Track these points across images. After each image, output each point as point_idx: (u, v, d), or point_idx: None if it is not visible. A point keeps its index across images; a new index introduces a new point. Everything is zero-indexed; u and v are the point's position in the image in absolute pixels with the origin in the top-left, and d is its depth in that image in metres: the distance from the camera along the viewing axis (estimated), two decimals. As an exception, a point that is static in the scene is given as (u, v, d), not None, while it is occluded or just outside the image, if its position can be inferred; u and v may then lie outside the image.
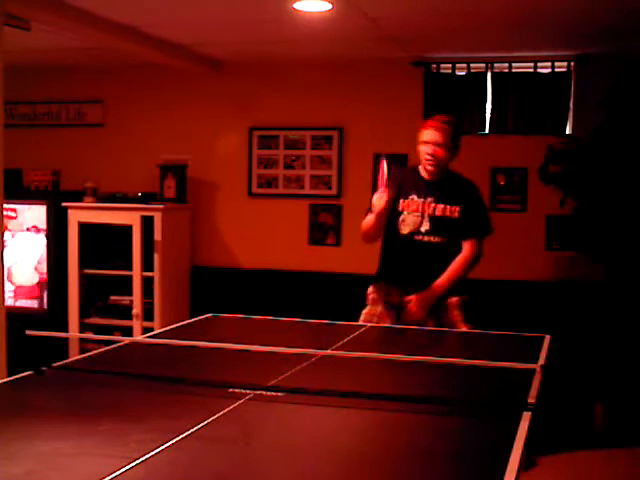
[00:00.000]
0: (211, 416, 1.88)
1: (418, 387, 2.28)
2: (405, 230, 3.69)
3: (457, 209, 3.66)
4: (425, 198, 3.67)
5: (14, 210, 5.61)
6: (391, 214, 3.69)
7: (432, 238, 3.66)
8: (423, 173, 3.72)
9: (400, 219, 3.70)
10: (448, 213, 3.66)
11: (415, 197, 3.69)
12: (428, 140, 3.63)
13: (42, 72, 5.86)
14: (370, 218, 3.68)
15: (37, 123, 6.09)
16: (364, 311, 3.75)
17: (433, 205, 3.66)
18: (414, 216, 3.68)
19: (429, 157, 3.63)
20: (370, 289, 3.80)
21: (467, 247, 3.69)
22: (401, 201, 3.70)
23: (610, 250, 4.74)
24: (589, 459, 4.40)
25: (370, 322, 3.66)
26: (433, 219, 3.66)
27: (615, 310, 4.78)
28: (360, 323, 3.64)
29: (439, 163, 3.64)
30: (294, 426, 1.93)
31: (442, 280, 3.65)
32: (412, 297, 3.63)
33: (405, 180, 3.76)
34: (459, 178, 3.76)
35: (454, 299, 3.67)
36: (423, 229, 3.66)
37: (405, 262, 3.72)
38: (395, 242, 3.74)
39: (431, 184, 3.70)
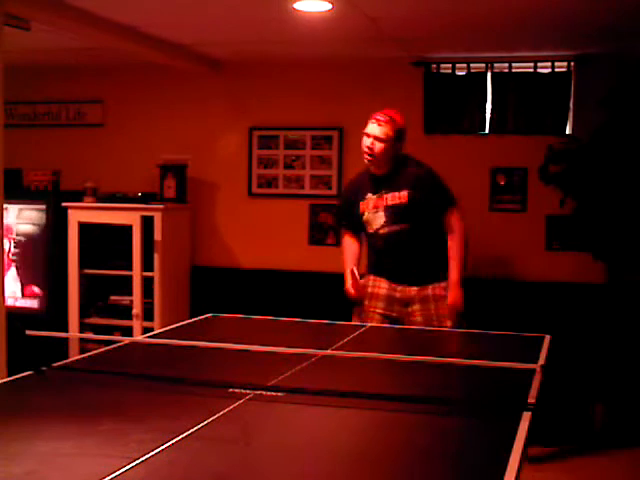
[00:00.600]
0: (211, 416, 1.88)
1: (418, 387, 2.28)
2: (372, 228, 3.81)
3: (405, 193, 3.73)
4: (379, 193, 3.78)
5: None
6: (358, 218, 3.84)
7: (391, 228, 3.76)
8: (373, 170, 3.82)
9: (364, 220, 3.82)
10: (398, 200, 3.74)
11: (371, 195, 3.81)
12: (368, 133, 3.76)
13: (42, 72, 5.86)
14: (345, 262, 3.92)
15: (37, 123, 6.09)
16: (355, 306, 3.86)
17: (385, 196, 3.76)
18: (373, 213, 3.79)
19: (366, 149, 3.75)
20: (362, 282, 3.88)
21: (448, 224, 3.75)
22: (360, 204, 3.83)
23: (610, 250, 4.74)
24: (589, 459, 4.40)
25: (357, 318, 3.73)
26: (387, 209, 3.76)
27: (615, 310, 4.78)
28: (353, 322, 3.70)
29: (377, 156, 3.74)
30: (294, 426, 1.93)
31: (453, 265, 3.71)
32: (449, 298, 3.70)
33: (361, 183, 3.90)
34: (406, 164, 3.81)
35: (439, 287, 3.70)
36: (383, 221, 3.76)
37: (381, 255, 3.83)
38: (370, 240, 3.87)
39: (381, 178, 3.81)
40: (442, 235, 3.76)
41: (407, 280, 3.75)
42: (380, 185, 3.78)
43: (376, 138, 3.71)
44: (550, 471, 4.19)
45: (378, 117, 3.74)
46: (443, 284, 3.72)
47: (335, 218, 4.08)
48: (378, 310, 3.75)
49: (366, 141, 3.75)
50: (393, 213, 3.73)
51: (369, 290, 3.81)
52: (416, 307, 3.71)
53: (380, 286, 3.78)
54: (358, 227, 3.91)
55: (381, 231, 3.76)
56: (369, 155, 3.74)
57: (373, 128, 3.74)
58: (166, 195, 5.57)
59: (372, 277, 3.84)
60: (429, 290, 3.71)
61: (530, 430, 1.83)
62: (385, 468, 1.64)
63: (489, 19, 4.17)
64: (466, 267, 3.79)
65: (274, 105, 5.63)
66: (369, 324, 3.58)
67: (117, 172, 5.80)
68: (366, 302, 3.80)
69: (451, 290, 3.69)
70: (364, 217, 3.81)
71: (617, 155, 4.62)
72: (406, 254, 3.74)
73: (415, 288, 3.72)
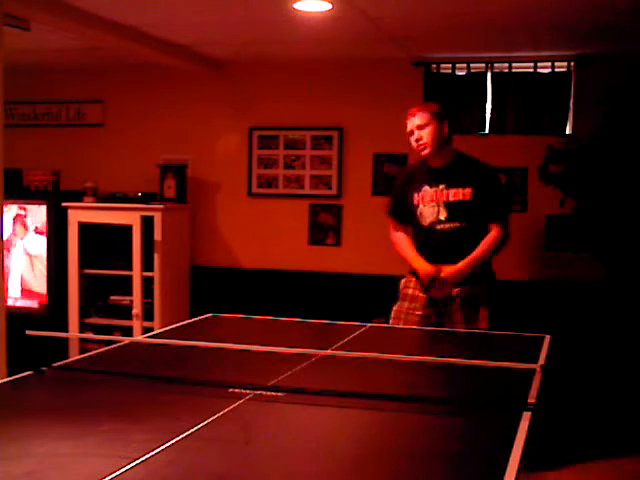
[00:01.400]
0: (211, 416, 1.88)
1: (418, 387, 2.28)
2: (426, 222, 3.73)
3: (469, 191, 3.66)
4: (437, 186, 3.70)
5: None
6: (410, 209, 3.76)
7: (452, 224, 3.68)
8: (430, 162, 3.76)
9: (418, 213, 3.74)
10: (461, 197, 3.67)
11: (427, 187, 3.73)
12: (410, 129, 3.72)
13: (42, 72, 5.86)
14: (406, 254, 3.80)
15: (37, 123, 6.09)
16: (394, 307, 3.79)
17: (446, 192, 3.69)
18: (430, 207, 3.71)
19: (417, 143, 3.70)
20: (402, 283, 3.83)
21: (493, 229, 3.71)
22: (415, 195, 3.75)
23: (610, 250, 4.74)
24: (589, 459, 4.40)
25: (397, 319, 3.69)
26: (449, 205, 3.68)
27: (615, 310, 4.78)
28: (391, 320, 3.69)
29: (429, 144, 3.68)
30: (294, 426, 1.93)
31: (468, 258, 3.66)
32: (442, 272, 3.65)
33: (416, 174, 3.83)
34: (468, 160, 3.78)
35: (478, 289, 3.67)
36: (442, 217, 3.69)
37: (432, 252, 3.73)
38: (420, 234, 3.79)
39: (440, 171, 3.73)
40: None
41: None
42: (440, 178, 3.70)
43: (419, 127, 3.67)
44: (550, 471, 4.18)
45: (411, 111, 3.72)
46: (483, 286, 3.70)
47: (387, 208, 3.93)
48: (418, 312, 3.71)
49: (413, 137, 3.70)
50: (455, 210, 3.66)
51: (409, 292, 3.76)
52: (455, 307, 3.68)
53: (421, 288, 3.75)
54: (408, 219, 3.83)
55: (438, 227, 3.69)
56: (423, 149, 3.68)
57: (412, 121, 3.70)
58: (166, 195, 5.57)
59: (414, 279, 3.78)
60: (468, 289, 3.68)
61: (530, 430, 1.83)
62: (385, 468, 1.64)
63: (489, 19, 4.17)
64: (478, 265, 3.74)
65: (274, 105, 5.63)
66: (407, 326, 3.58)
67: (117, 172, 5.80)
68: (406, 304, 3.76)
69: (451, 269, 3.65)
70: (418, 209, 3.73)
71: (617, 155, 4.62)
72: (458, 252, 3.66)
73: (456, 289, 3.68)
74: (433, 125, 3.68)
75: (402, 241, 3.87)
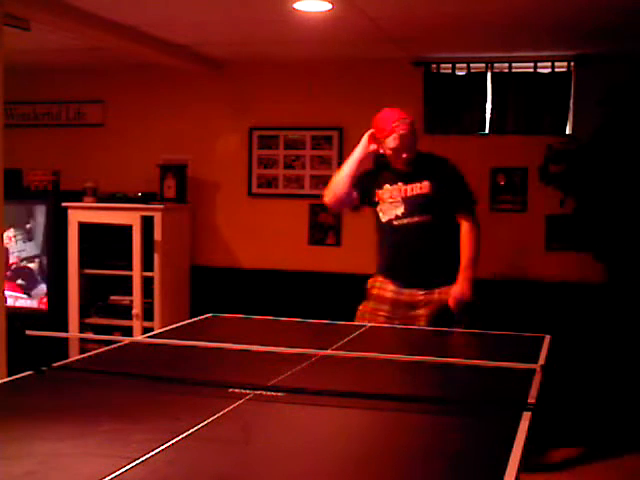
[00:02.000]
0: (211, 416, 1.88)
1: (418, 387, 2.28)
2: (385, 218, 3.75)
3: (427, 184, 3.68)
4: (397, 183, 3.72)
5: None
6: (373, 204, 3.77)
7: (410, 219, 3.69)
8: (393, 165, 3.76)
9: (378, 209, 3.76)
10: (418, 190, 3.69)
11: (388, 186, 3.75)
12: (399, 146, 3.65)
13: (42, 72, 5.86)
14: (350, 161, 3.76)
15: (37, 123, 6.09)
16: (360, 306, 3.78)
17: (404, 187, 3.71)
18: (389, 203, 3.73)
19: (404, 160, 3.68)
20: (369, 283, 3.82)
21: (463, 223, 3.70)
22: (377, 192, 3.76)
23: (610, 250, 4.74)
24: (588, 459, 4.40)
25: (362, 318, 3.67)
26: (406, 200, 3.69)
27: (615, 310, 4.78)
28: (356, 319, 3.66)
29: (411, 160, 3.70)
30: (294, 426, 1.93)
31: (465, 261, 3.64)
32: (453, 290, 3.62)
33: (378, 172, 3.83)
34: (426, 156, 3.78)
35: (446, 292, 3.66)
36: (400, 212, 3.70)
37: (393, 250, 3.76)
38: (381, 232, 3.81)
39: (402, 171, 3.74)
40: (457, 235, 3.69)
41: (415, 281, 3.68)
42: (399, 176, 3.72)
43: (407, 148, 3.66)
44: (550, 472, 4.19)
45: (400, 128, 3.65)
46: (450, 288, 3.68)
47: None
48: (382, 313, 3.72)
49: (400, 154, 3.66)
50: (413, 204, 3.67)
51: (375, 292, 3.77)
52: (421, 312, 3.66)
53: (387, 289, 3.74)
54: (361, 198, 3.82)
55: (396, 222, 3.70)
56: (406, 164, 3.68)
57: (402, 140, 3.65)
58: (166, 195, 5.57)
59: (380, 279, 3.78)
60: (435, 295, 3.67)
61: (530, 430, 1.83)
62: (385, 468, 1.64)
63: (489, 19, 4.17)
64: (476, 260, 3.71)
65: (274, 105, 5.63)
66: (369, 324, 3.57)
67: (117, 172, 5.80)
68: (371, 304, 3.76)
69: (459, 280, 3.63)
70: (378, 207, 3.75)
71: (617, 155, 4.62)
72: (420, 248, 3.65)
73: (422, 292, 3.66)
74: (416, 144, 3.71)
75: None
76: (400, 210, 3.70)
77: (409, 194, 3.69)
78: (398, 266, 3.74)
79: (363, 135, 3.81)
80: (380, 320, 3.68)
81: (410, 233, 3.69)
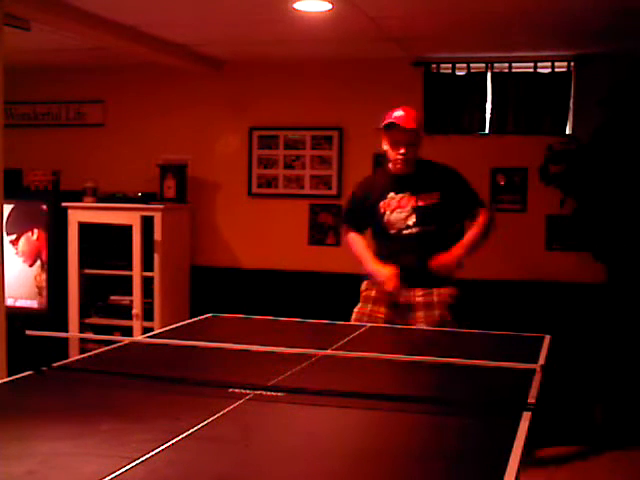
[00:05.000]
0: (211, 416, 1.88)
1: (418, 387, 2.28)
2: (394, 228, 3.72)
3: (436, 195, 3.68)
4: (403, 192, 3.70)
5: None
6: (375, 219, 3.74)
7: (419, 228, 3.69)
8: (393, 171, 3.74)
9: (385, 220, 3.73)
10: (430, 201, 3.69)
11: (393, 194, 3.72)
12: (399, 141, 3.63)
13: (42, 72, 5.86)
14: (363, 256, 3.77)
15: (37, 123, 6.09)
16: (355, 309, 3.76)
17: (413, 197, 3.69)
18: (397, 213, 3.71)
19: (401, 157, 3.65)
20: (363, 285, 3.81)
21: (481, 215, 3.73)
22: (381, 203, 3.73)
23: (610, 250, 4.74)
24: (589, 459, 4.40)
25: (360, 321, 3.66)
26: (417, 210, 3.68)
27: (615, 310, 4.78)
28: (352, 322, 3.65)
29: (412, 161, 3.68)
30: (294, 426, 1.93)
31: (466, 239, 3.67)
32: (441, 255, 3.63)
33: (379, 182, 3.82)
34: (430, 165, 3.78)
35: (444, 294, 3.67)
36: (410, 222, 3.69)
37: (398, 257, 3.72)
38: (384, 241, 3.77)
39: (404, 178, 3.72)
40: (458, 239, 3.72)
41: (415, 282, 3.69)
42: (405, 185, 3.70)
43: (409, 143, 3.63)
44: (550, 472, 4.19)
45: (401, 122, 3.61)
46: (448, 290, 3.69)
47: (342, 217, 3.93)
48: (380, 315, 3.71)
49: (398, 150, 3.63)
50: (424, 214, 3.66)
51: (373, 294, 3.76)
52: (420, 314, 3.66)
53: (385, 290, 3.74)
54: (364, 226, 3.84)
55: (405, 232, 3.69)
56: (403, 163, 3.66)
57: (402, 136, 3.61)
58: (166, 195, 5.57)
59: (373, 282, 3.78)
60: (434, 296, 3.66)
61: (530, 430, 1.83)
62: (385, 468, 1.64)
63: (489, 19, 4.17)
64: (473, 248, 3.72)
65: (274, 105, 5.63)
66: (369, 325, 3.57)
67: (117, 172, 5.80)
68: (369, 306, 3.76)
69: (451, 250, 3.63)
70: (385, 217, 3.72)
71: (617, 155, 4.62)
72: (425, 255, 3.66)
73: (420, 292, 3.67)
74: (419, 143, 3.69)
75: (358, 241, 3.87)
76: (412, 220, 3.68)
77: (420, 204, 3.68)
78: (402, 272, 3.73)
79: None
80: (378, 322, 3.67)
81: (418, 242, 3.68)
